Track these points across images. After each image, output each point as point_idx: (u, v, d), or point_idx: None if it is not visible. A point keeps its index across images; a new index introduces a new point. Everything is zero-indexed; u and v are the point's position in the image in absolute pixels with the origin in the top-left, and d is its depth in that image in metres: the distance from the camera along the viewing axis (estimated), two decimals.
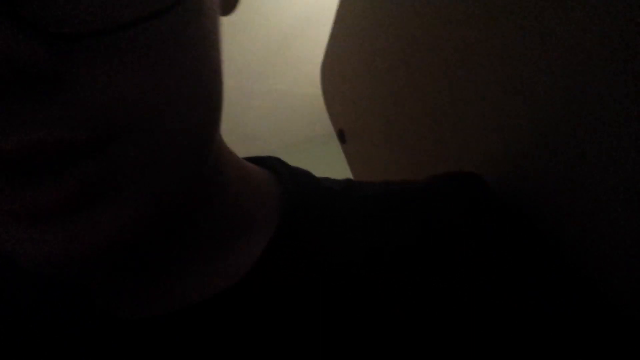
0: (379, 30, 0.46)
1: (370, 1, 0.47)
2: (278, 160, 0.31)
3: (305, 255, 0.24)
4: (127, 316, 0.23)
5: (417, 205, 0.27)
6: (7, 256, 0.17)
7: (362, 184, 0.30)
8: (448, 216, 0.27)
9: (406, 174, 0.49)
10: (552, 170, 0.27)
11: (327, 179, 0.31)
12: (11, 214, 0.15)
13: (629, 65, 0.20)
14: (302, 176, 0.29)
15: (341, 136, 0.72)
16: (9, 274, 0.26)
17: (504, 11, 0.27)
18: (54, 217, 0.15)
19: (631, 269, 0.23)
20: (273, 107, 2.95)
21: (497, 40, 0.28)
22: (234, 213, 0.26)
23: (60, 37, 0.13)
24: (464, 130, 0.35)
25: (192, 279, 0.24)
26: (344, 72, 0.62)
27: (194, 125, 0.18)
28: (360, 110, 0.59)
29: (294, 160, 0.33)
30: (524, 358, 0.21)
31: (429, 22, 0.36)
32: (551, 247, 0.28)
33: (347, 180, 0.31)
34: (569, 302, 0.24)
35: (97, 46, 0.15)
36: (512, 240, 0.26)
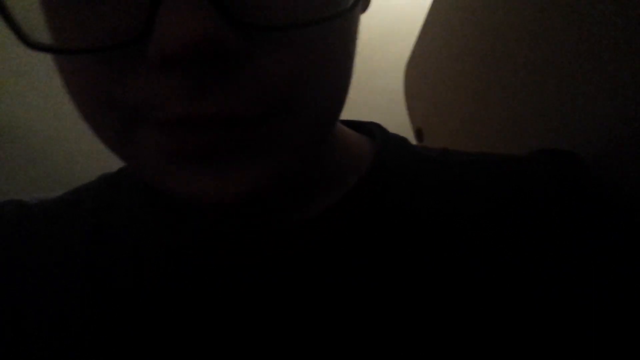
0: (466, 30, 0.47)
1: (459, 6, 0.48)
2: (378, 126, 0.33)
3: (371, 210, 0.26)
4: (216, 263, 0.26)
5: (508, 176, 0.28)
6: (168, 194, 0.21)
7: (458, 153, 0.31)
8: (538, 190, 0.27)
9: None
10: None
11: (423, 147, 0.32)
12: (186, 155, 0.19)
13: None
14: (395, 141, 0.31)
15: (419, 135, 0.73)
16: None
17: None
18: (219, 158, 0.19)
19: None
20: (350, 100, 2.96)
21: (586, 36, 0.29)
22: (324, 176, 0.28)
23: (251, 27, 0.16)
24: (549, 133, 0.36)
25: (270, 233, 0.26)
26: (428, 71, 0.63)
27: (332, 107, 0.22)
28: (441, 110, 0.60)
29: None
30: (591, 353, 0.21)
31: (517, 21, 0.37)
32: None
33: (443, 149, 0.32)
34: None
35: (277, 36, 0.17)
36: (602, 224, 0.25)
